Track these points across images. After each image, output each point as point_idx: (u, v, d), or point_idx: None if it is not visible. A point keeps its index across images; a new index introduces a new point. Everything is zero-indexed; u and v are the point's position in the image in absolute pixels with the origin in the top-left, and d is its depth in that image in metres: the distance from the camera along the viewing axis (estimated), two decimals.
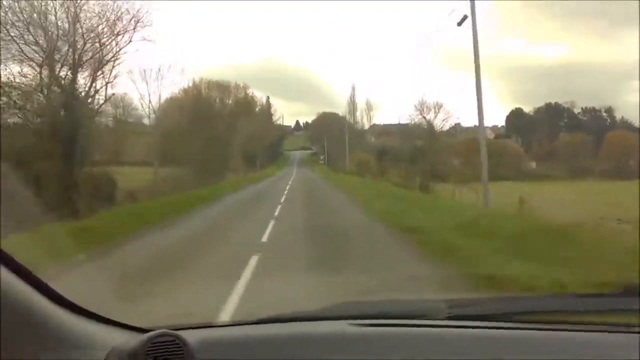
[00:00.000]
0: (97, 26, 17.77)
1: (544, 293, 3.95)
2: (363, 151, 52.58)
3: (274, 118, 71.30)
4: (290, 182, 32.04)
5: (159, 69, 31.28)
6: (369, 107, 64.50)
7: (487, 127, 54.45)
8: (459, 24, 11.93)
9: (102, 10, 17.88)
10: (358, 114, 64.39)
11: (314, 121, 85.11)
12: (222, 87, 44.58)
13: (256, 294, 4.59)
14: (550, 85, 75.89)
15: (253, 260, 6.30)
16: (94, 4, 17.71)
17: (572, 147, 49.56)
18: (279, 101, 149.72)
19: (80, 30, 17.03)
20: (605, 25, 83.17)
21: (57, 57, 16.41)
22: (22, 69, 15.84)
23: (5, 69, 15.64)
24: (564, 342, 1.26)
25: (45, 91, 15.91)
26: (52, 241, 6.53)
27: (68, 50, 16.44)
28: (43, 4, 16.39)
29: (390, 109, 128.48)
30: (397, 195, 17.80)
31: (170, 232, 10.11)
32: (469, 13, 11.62)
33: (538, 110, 67.82)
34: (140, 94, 32.43)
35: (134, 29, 18.94)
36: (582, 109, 67.40)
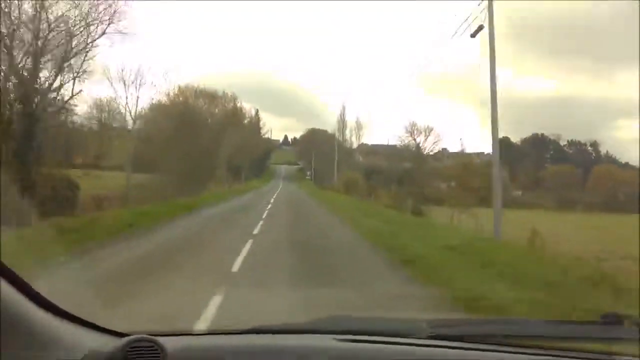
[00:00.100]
0: (67, 13, 16.07)
1: (524, 317, 3.52)
2: (351, 169, 52.18)
3: (263, 131, 70.50)
4: (274, 197, 30.80)
5: (138, 69, 29.91)
6: (359, 126, 64.28)
7: (472, 153, 54.74)
8: (473, 35, 11.14)
9: None
10: (347, 132, 64.04)
11: (302, 136, 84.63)
12: (210, 96, 43.22)
13: None
14: (536, 117, 77.10)
15: (212, 307, 4.52)
16: None
17: (559, 178, 50.25)
18: (269, 115, 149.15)
19: (46, 17, 15.36)
20: (590, 63, 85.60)
21: (17, 43, 14.69)
22: None
23: None
24: None
25: (1, 80, 14.26)
26: None
27: (32, 38, 14.76)
28: None
29: (378, 129, 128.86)
30: (391, 218, 16.70)
31: (112, 258, 7.79)
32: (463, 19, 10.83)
33: (525, 141, 68.97)
34: (117, 94, 30.14)
35: (110, 19, 17.33)
36: (567, 141, 69.02)
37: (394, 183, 41.62)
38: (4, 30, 14.21)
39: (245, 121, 57.23)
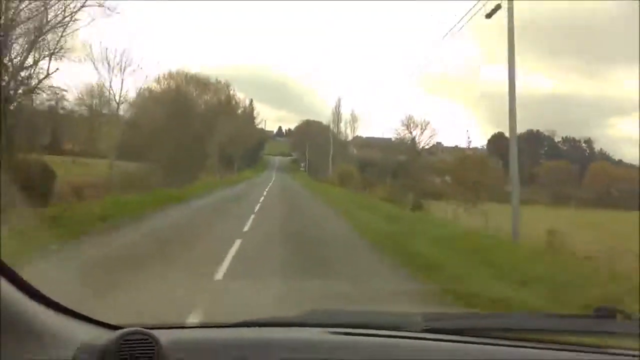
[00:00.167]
0: None
1: (519, 311, 3.62)
2: (345, 162, 51.64)
3: (257, 122, 69.39)
4: (267, 188, 30.01)
5: (124, 51, 28.75)
6: (354, 119, 63.55)
7: (466, 147, 54.25)
8: (489, 15, 10.36)
9: None
10: (342, 124, 63.29)
11: (297, 128, 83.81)
12: (202, 82, 41.93)
13: None
14: (532, 113, 77.04)
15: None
16: None
17: (554, 174, 50.21)
18: (263, 106, 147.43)
19: None
20: (585, 62, 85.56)
21: None
22: None
23: None
24: (538, 359, 1.30)
25: None
26: None
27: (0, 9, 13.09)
28: None
29: (373, 122, 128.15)
30: (392, 214, 15.95)
31: (74, 260, 6.44)
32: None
33: (520, 136, 68.68)
34: (100, 76, 28.72)
35: None
36: (562, 138, 69.13)
37: (388, 176, 41.13)
38: None
39: (239, 111, 56.16)
